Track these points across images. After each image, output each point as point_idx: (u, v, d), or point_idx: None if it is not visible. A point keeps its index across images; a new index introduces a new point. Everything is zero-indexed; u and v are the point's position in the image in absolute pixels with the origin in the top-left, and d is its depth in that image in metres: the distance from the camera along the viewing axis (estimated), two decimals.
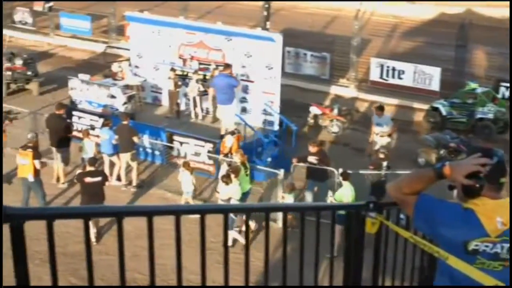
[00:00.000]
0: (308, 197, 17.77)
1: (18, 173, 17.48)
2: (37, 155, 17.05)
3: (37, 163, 16.93)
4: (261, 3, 29.21)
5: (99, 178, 16.13)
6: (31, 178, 16.98)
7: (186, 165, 17.79)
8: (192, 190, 17.79)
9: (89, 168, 16.44)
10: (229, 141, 18.91)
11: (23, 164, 17.04)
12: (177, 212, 3.28)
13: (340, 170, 17.51)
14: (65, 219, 3.00)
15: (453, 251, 3.85)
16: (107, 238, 15.68)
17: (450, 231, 3.88)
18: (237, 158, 17.77)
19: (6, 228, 2.76)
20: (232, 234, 15.18)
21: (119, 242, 3.02)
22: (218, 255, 5.13)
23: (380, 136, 20.10)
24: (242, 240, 15.20)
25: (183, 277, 3.47)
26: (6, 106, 20.89)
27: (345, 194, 15.96)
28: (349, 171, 17.17)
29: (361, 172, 17.95)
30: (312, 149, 17.88)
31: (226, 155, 18.81)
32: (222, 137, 19.62)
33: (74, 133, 20.62)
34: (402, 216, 5.71)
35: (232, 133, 19.15)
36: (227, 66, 20.84)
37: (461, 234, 3.85)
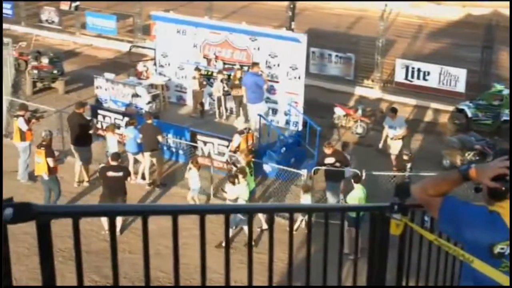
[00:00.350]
0: (330, 198, 17.73)
1: (35, 171, 17.64)
2: (49, 153, 17.16)
3: (50, 161, 17.07)
4: (286, 3, 29.19)
5: (120, 173, 16.24)
6: (45, 176, 17.16)
7: (195, 161, 17.77)
8: (198, 187, 17.78)
9: (112, 163, 16.58)
10: (236, 141, 18.90)
11: (38, 162, 17.25)
12: (203, 211, 3.29)
13: (364, 172, 17.49)
14: (91, 217, 3.02)
15: (478, 254, 3.80)
16: (130, 236, 15.74)
17: (475, 233, 3.83)
18: (241, 158, 17.78)
19: (32, 226, 2.78)
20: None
21: (144, 241, 3.03)
22: (240, 255, 5.14)
23: (394, 139, 20.07)
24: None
25: (206, 277, 3.48)
26: (32, 105, 21.03)
27: (356, 196, 15.90)
28: (374, 172, 17.17)
29: (384, 173, 17.89)
30: (328, 150, 17.89)
31: (234, 153, 18.85)
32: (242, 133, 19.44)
33: (99, 131, 20.79)
34: (426, 218, 5.69)
35: (241, 132, 19.12)
36: (255, 64, 20.85)
37: (486, 237, 3.79)
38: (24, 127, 18.81)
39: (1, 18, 31.06)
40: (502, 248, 3.77)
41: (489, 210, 3.79)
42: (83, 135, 18.97)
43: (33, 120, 19.31)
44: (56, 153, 18.41)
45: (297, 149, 20.69)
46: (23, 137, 18.84)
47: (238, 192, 16.33)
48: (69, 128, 19.31)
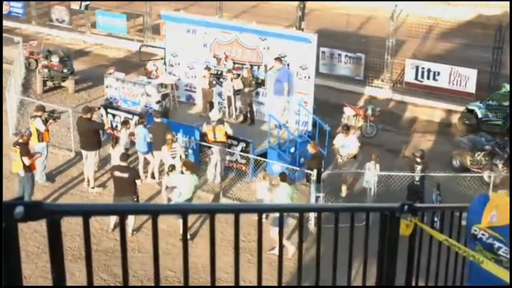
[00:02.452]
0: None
1: (12, 168, 17.64)
2: (25, 151, 17.17)
3: (25, 159, 17.09)
4: (296, 3, 29.19)
5: (126, 175, 16.25)
6: (21, 173, 17.18)
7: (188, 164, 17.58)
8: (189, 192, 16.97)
9: (120, 163, 16.67)
10: (203, 128, 19.42)
11: (14, 159, 17.30)
12: (212, 211, 3.29)
13: (374, 171, 17.47)
14: (102, 215, 3.03)
15: (468, 237, 4.35)
16: (139, 235, 15.79)
17: (468, 216, 4.47)
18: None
19: (42, 225, 2.79)
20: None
21: (154, 241, 3.03)
22: (249, 254, 5.15)
23: (345, 158, 19.13)
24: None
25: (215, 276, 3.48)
26: (48, 105, 21.09)
27: (280, 196, 15.75)
28: (384, 172, 17.15)
29: (394, 173, 17.86)
30: (312, 149, 18.00)
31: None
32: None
33: (109, 131, 20.84)
34: (436, 218, 5.69)
35: (209, 122, 19.56)
36: (277, 59, 21.01)
37: (471, 218, 4.41)
38: (42, 128, 18.84)
39: (1, 18, 31.21)
40: (475, 230, 4.26)
41: (487, 196, 4.17)
42: (90, 140, 18.92)
43: (50, 121, 19.34)
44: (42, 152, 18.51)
45: (307, 149, 20.67)
46: (40, 137, 18.86)
47: (178, 182, 16.48)
48: (78, 132, 19.31)
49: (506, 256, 4.08)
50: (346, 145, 19.02)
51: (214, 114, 19.84)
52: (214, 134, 19.39)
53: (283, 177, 16.23)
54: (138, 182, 16.50)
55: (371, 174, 17.68)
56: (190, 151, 20.27)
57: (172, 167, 17.28)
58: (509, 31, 26.74)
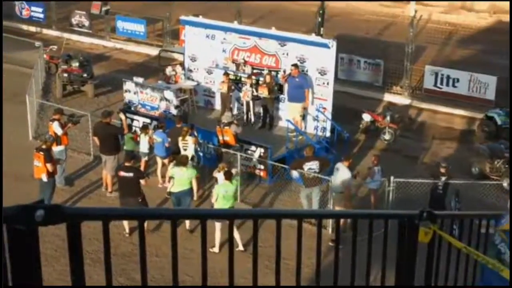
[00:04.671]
0: (312, 204, 17.73)
1: (34, 174, 17.55)
2: (48, 157, 17.21)
3: (49, 166, 17.13)
4: (315, 8, 29.20)
5: (130, 174, 16.36)
6: (45, 178, 17.22)
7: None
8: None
9: (125, 163, 16.86)
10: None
11: (37, 165, 17.27)
12: (231, 216, 3.30)
13: (392, 178, 17.41)
14: (121, 220, 3.05)
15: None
16: (156, 239, 15.81)
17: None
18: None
19: (60, 228, 2.81)
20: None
21: (173, 246, 3.05)
22: (266, 260, 5.14)
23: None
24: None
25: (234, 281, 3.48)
26: (68, 109, 21.19)
27: (221, 190, 15.95)
28: (403, 179, 17.09)
29: (412, 180, 17.77)
30: (309, 153, 18.00)
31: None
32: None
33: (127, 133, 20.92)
34: (455, 226, 5.66)
35: (219, 123, 19.85)
36: (295, 66, 21.11)
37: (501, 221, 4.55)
38: (60, 131, 18.91)
39: (1, 18, 31.37)
40: (495, 232, 4.58)
41: None
42: (110, 144, 18.93)
43: (69, 125, 19.39)
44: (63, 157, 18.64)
45: (325, 154, 20.64)
46: (58, 141, 18.92)
47: (174, 173, 16.97)
48: (97, 136, 19.29)
49: (506, 261, 4.07)
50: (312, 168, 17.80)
51: (226, 116, 20.02)
52: (222, 136, 19.61)
53: (227, 174, 16.25)
54: (142, 182, 16.57)
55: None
56: (200, 153, 20.15)
57: (174, 158, 17.85)
58: (509, 33, 26.58)
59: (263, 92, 21.64)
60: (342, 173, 16.66)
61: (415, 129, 25.00)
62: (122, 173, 16.52)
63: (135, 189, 16.35)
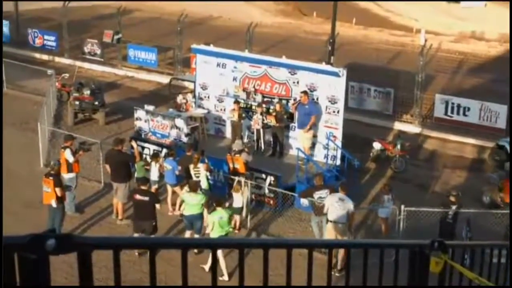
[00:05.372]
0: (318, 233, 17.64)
1: (43, 200, 17.63)
2: (58, 182, 17.31)
3: (58, 190, 17.20)
4: (325, 37, 29.33)
5: (146, 198, 16.73)
6: (54, 204, 17.26)
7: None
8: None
9: (141, 187, 17.09)
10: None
11: (46, 191, 17.35)
12: (241, 245, 3.29)
13: (403, 207, 17.34)
14: (133, 249, 3.04)
15: None
16: (166, 267, 15.75)
17: None
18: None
19: (70, 255, 2.80)
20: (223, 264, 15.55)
21: (183, 275, 3.04)
22: None
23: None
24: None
25: None
26: (79, 137, 21.27)
27: (212, 219, 16.17)
28: (414, 208, 17.04)
29: (423, 209, 17.69)
30: (319, 182, 17.95)
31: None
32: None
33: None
34: (466, 256, 5.61)
35: (230, 151, 19.98)
36: (304, 93, 21.22)
37: None
38: (71, 158, 18.97)
39: (1, 19, 31.57)
40: None
41: None
42: (121, 172, 18.97)
43: (80, 152, 19.45)
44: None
45: (335, 183, 20.59)
46: (70, 168, 18.99)
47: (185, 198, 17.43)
48: (108, 164, 19.35)
49: None
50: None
51: (236, 144, 20.07)
52: (233, 164, 19.65)
53: (219, 202, 16.63)
54: (157, 206, 16.92)
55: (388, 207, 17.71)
56: (211, 181, 20.18)
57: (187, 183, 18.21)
58: (509, 33, 26.54)
59: (271, 121, 21.71)
60: (348, 203, 16.54)
61: (426, 157, 24.94)
62: (138, 197, 16.81)
63: (150, 212, 16.71)
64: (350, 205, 16.47)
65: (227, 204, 17.61)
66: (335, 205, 16.46)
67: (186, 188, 17.77)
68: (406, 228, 17.40)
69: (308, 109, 21.20)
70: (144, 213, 16.75)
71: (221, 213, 16.24)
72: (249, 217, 19.02)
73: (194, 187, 17.34)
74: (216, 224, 16.03)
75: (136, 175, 19.20)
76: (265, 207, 19.73)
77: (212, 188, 19.35)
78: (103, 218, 19.24)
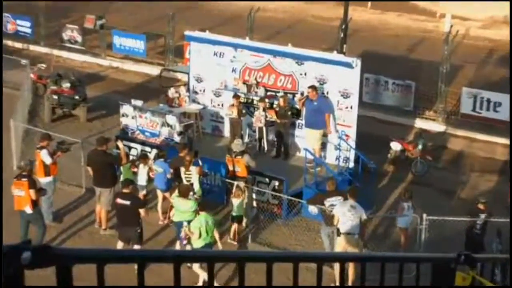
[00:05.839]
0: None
1: (15, 206, 17.58)
2: (32, 183, 17.32)
3: (32, 192, 17.20)
4: (337, 22, 29.32)
5: (128, 202, 16.69)
6: (28, 210, 17.26)
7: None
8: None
9: (123, 190, 17.17)
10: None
11: (19, 195, 17.32)
12: (242, 259, 3.29)
13: (424, 216, 17.33)
14: (118, 263, 3.04)
15: None
16: (157, 281, 15.76)
17: None
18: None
19: (48, 269, 2.81)
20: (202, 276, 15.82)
21: None
22: None
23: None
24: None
25: None
26: (57, 136, 21.25)
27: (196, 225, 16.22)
28: (435, 217, 17.04)
29: (448, 218, 17.68)
30: (331, 187, 17.97)
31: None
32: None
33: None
34: (497, 271, 5.62)
35: (230, 153, 19.87)
36: (312, 88, 21.16)
37: None
38: (48, 160, 18.89)
39: (1, 19, 31.62)
40: None
41: None
42: (105, 175, 18.89)
43: (59, 153, 19.40)
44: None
45: (348, 189, 20.58)
46: (46, 171, 18.91)
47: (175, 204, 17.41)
48: (90, 167, 19.30)
49: None
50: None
51: (236, 145, 19.93)
52: (233, 167, 19.57)
53: (202, 206, 16.72)
54: (142, 211, 16.82)
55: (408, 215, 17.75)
56: (206, 185, 20.21)
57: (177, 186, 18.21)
58: (510, 32, 26.57)
59: (272, 116, 21.69)
60: (360, 211, 16.52)
61: (451, 159, 24.93)
62: (119, 201, 16.87)
63: (134, 218, 16.69)
64: (362, 213, 16.46)
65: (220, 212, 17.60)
66: (348, 214, 16.43)
67: (175, 193, 17.72)
68: (429, 240, 17.39)
69: (316, 106, 21.15)
70: (126, 219, 16.79)
71: (206, 218, 16.23)
72: (250, 227, 19.03)
73: (185, 192, 17.26)
74: (202, 230, 16.03)
75: (121, 178, 19.20)
76: (268, 215, 19.71)
77: (206, 194, 19.35)
78: (85, 228, 19.24)
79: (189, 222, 16.80)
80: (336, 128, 21.48)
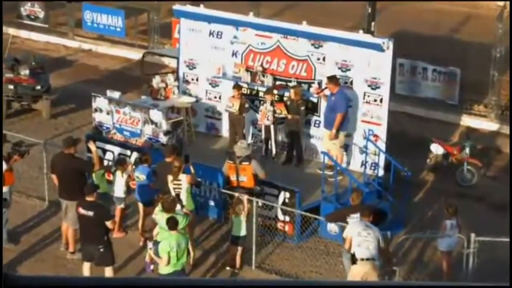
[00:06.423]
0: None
1: None
2: None
3: None
4: None
5: (90, 213, 16.77)
6: None
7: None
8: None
9: (86, 198, 17.19)
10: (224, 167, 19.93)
11: None
12: None
13: (473, 236, 17.34)
14: None
15: None
16: None
17: None
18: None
19: None
20: None
21: None
22: None
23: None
24: None
25: None
26: (13, 135, 21.25)
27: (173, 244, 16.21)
28: (486, 238, 17.05)
29: (502, 240, 17.70)
30: (356, 200, 18.01)
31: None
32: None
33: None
34: None
35: (230, 158, 19.81)
36: (332, 79, 21.08)
37: None
38: (3, 167, 18.94)
39: (1, 20, 31.72)
40: None
41: None
42: (73, 185, 18.77)
43: (15, 157, 19.41)
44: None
45: (376, 201, 20.62)
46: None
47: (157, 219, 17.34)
48: (55, 174, 19.28)
49: None
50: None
51: (241, 148, 19.85)
52: (237, 176, 19.45)
53: (171, 224, 16.52)
54: (108, 224, 16.89)
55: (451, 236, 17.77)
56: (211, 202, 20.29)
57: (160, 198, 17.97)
58: (510, 32, 26.63)
59: (281, 111, 21.60)
60: (375, 231, 16.51)
61: (505, 166, 24.90)
62: (81, 211, 16.98)
63: (98, 233, 16.79)
64: (378, 234, 16.43)
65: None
66: (363, 233, 16.40)
67: (158, 207, 17.64)
68: (478, 266, 17.41)
69: (332, 102, 21.05)
70: (89, 233, 16.88)
71: (178, 239, 16.22)
72: (254, 250, 19.04)
73: (170, 207, 17.16)
74: (172, 255, 16.04)
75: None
76: (277, 236, 19.73)
77: (198, 209, 19.37)
78: (47, 250, 19.29)
79: (155, 243, 16.77)
80: (357, 125, 21.42)
